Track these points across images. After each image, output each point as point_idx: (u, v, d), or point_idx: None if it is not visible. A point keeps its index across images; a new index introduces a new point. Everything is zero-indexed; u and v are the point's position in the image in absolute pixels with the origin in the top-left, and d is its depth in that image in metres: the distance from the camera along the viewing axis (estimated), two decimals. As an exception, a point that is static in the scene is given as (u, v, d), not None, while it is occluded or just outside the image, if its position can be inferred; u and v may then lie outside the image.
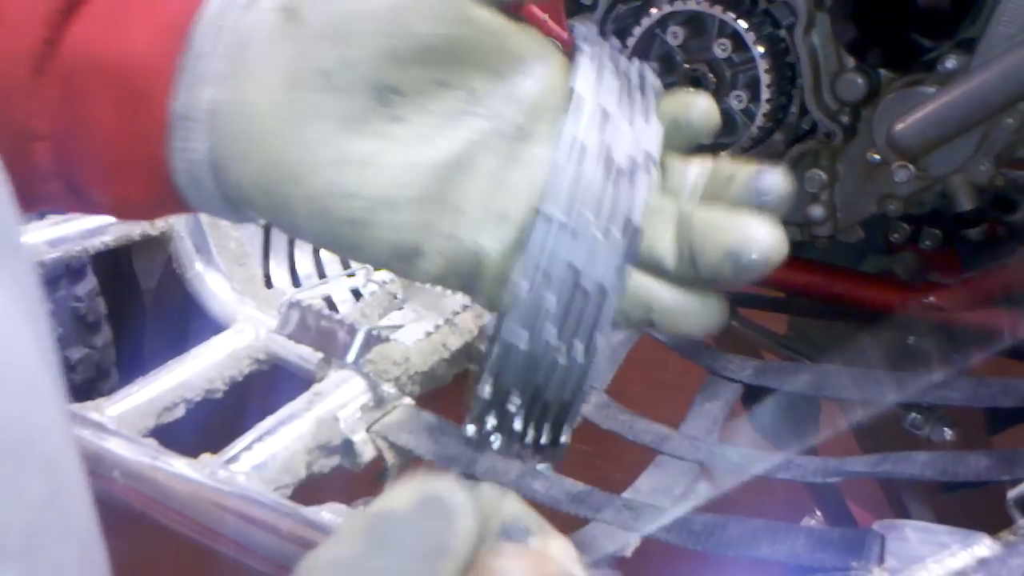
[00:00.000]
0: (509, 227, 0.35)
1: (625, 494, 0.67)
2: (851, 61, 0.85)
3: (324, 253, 1.14)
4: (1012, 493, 0.56)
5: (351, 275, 1.12)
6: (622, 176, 0.33)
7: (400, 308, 0.84)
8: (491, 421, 0.35)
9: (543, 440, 0.35)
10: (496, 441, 0.35)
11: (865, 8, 0.83)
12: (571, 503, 0.64)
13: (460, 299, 0.80)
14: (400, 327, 0.81)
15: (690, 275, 0.35)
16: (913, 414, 0.86)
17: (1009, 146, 0.81)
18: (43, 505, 0.22)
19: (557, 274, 0.32)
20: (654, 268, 0.34)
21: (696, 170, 0.36)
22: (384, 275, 1.11)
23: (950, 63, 0.80)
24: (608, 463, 1.03)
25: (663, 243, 0.35)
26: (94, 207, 0.38)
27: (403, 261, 0.35)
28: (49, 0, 0.35)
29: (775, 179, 0.35)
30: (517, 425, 0.34)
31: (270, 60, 0.34)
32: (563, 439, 0.35)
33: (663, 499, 0.68)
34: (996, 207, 0.89)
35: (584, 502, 0.64)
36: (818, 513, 1.17)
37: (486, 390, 0.34)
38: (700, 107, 0.37)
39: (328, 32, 0.34)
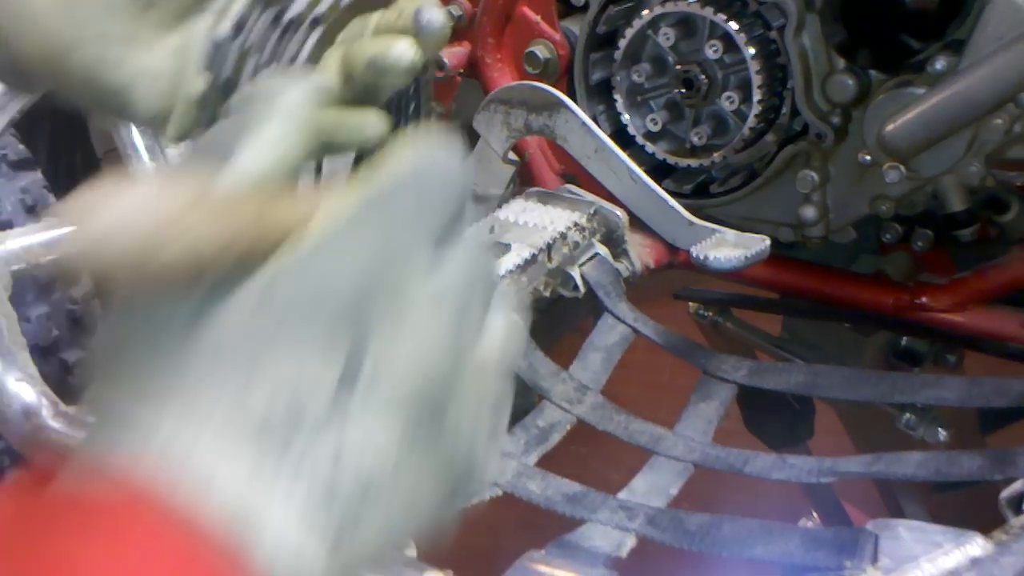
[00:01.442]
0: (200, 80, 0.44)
1: (620, 494, 0.68)
2: (841, 62, 0.85)
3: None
4: (1005, 492, 0.56)
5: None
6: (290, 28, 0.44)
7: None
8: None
9: None
10: None
11: (854, 10, 0.84)
12: (566, 504, 0.64)
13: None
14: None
15: (351, 95, 0.43)
16: (907, 414, 0.86)
17: (999, 147, 0.81)
18: None
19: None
20: (326, 97, 0.38)
21: (375, 18, 0.46)
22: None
23: (939, 64, 0.80)
24: (604, 464, 1.04)
25: (329, 72, 0.44)
26: None
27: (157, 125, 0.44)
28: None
29: (432, 13, 0.44)
30: None
31: None
32: None
33: (658, 499, 0.68)
34: (987, 207, 0.90)
35: (579, 503, 0.64)
36: (815, 515, 1.18)
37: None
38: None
39: None
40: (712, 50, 0.89)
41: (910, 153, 0.81)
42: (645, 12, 0.91)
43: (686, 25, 0.91)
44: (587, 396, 0.80)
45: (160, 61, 0.43)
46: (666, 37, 0.91)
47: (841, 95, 0.85)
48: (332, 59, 0.46)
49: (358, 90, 0.44)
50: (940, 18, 0.80)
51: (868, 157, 0.85)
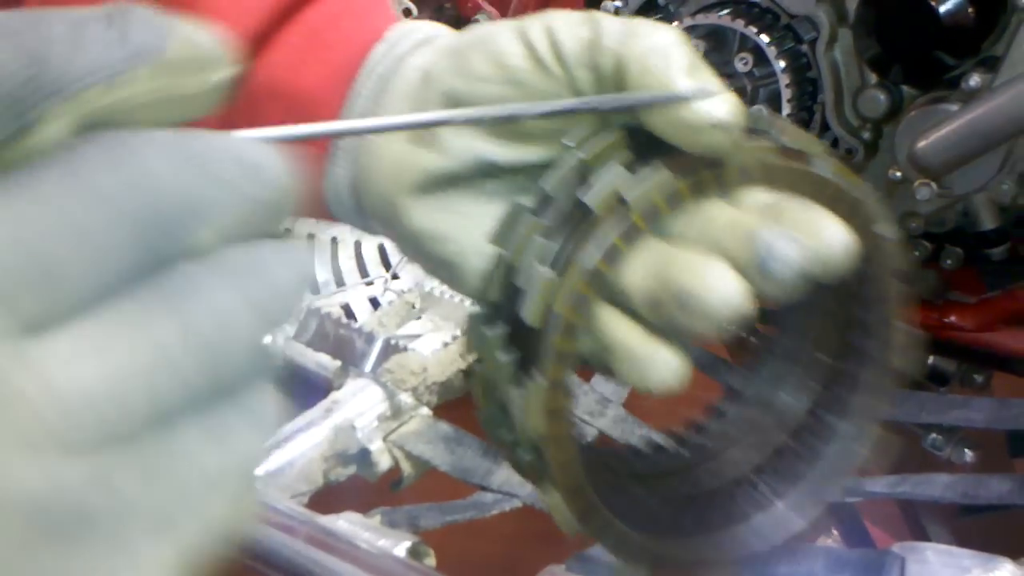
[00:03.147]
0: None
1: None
2: (873, 77, 0.84)
3: (342, 260, 1.14)
4: (1034, 517, 0.55)
5: (370, 283, 1.13)
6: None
7: (418, 318, 0.85)
8: None
9: None
10: None
11: (888, 24, 0.83)
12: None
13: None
14: (418, 337, 0.81)
15: (656, 319, 0.31)
16: (933, 435, 0.85)
17: (1033, 166, 0.80)
18: None
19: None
20: (622, 304, 0.33)
21: (716, 216, 0.32)
22: (403, 284, 1.11)
23: (973, 81, 0.79)
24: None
25: (632, 278, 0.32)
26: None
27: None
28: (247, 28, 0.42)
29: (786, 248, 0.29)
30: None
31: (399, 113, 0.40)
32: None
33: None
34: (1019, 226, 0.89)
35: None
36: (835, 532, 1.17)
37: None
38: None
39: (446, 103, 0.38)
40: (742, 63, 0.89)
41: (942, 171, 0.80)
42: (675, 23, 0.90)
43: (716, 37, 0.90)
44: (608, 409, 0.80)
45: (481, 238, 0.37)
46: (696, 49, 0.90)
47: (872, 110, 0.84)
48: (639, 260, 0.32)
49: (656, 317, 0.31)
50: (975, 34, 0.80)
51: (899, 174, 0.84)
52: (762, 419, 0.43)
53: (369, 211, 0.42)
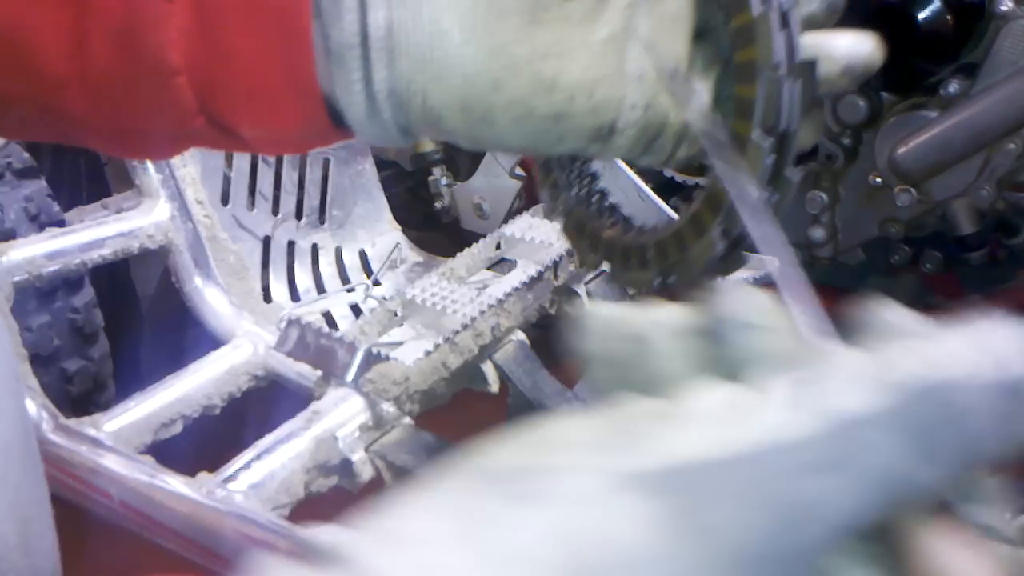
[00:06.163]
0: (684, 83, 0.35)
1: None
2: (853, 84, 0.85)
3: (323, 267, 1.13)
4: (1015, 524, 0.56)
5: (351, 290, 1.12)
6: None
7: (399, 325, 0.84)
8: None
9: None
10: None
11: (865, 30, 0.84)
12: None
13: (459, 318, 0.79)
14: (400, 344, 0.80)
15: None
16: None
17: (1011, 171, 0.81)
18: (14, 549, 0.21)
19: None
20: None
21: None
22: (384, 291, 1.10)
23: (952, 87, 0.80)
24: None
25: None
26: (241, 143, 0.37)
27: (600, 142, 0.36)
28: None
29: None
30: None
31: None
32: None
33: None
34: (997, 230, 0.89)
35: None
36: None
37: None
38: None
39: None
40: (723, 69, 0.89)
41: (921, 177, 0.81)
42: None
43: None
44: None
45: (595, 63, 0.34)
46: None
47: (852, 116, 0.85)
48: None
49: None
50: (953, 41, 0.80)
51: (879, 179, 0.85)
52: None
53: (436, 110, 0.35)
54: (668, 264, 0.40)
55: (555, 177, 0.45)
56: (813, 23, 0.36)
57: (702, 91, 0.36)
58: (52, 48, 0.34)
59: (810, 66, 0.34)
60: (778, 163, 0.35)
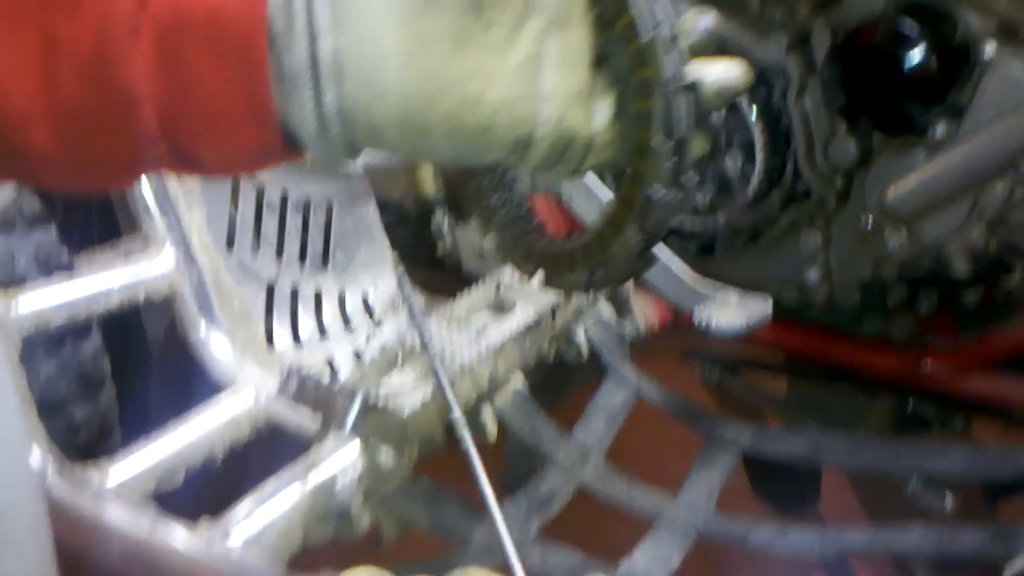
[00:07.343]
0: (585, 103, 0.41)
1: (621, 566, 0.67)
2: (844, 126, 0.86)
3: (326, 310, 1.15)
4: (1008, 571, 0.56)
5: (352, 332, 1.13)
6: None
7: (399, 371, 0.85)
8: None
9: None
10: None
11: (855, 74, 0.85)
12: (566, 576, 0.64)
13: (456, 367, 0.80)
14: (399, 394, 0.81)
15: None
16: (914, 481, 0.85)
17: (1001, 212, 0.81)
18: None
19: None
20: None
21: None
22: (386, 334, 1.11)
23: (940, 128, 0.81)
24: (612, 522, 1.03)
25: None
26: (198, 167, 0.41)
27: (519, 152, 0.41)
28: None
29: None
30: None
31: (374, 2, 0.38)
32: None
33: (660, 570, 0.68)
34: (992, 270, 0.90)
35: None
36: None
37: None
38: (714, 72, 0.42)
39: None
40: (716, 112, 0.90)
41: (912, 217, 0.81)
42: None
43: (689, 89, 0.92)
44: (590, 460, 0.80)
45: (513, 84, 0.39)
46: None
47: (843, 158, 0.86)
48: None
49: None
50: (940, 83, 0.81)
51: (871, 220, 0.85)
52: None
53: (378, 127, 0.39)
54: (593, 263, 0.46)
55: (486, 200, 0.51)
56: (695, 51, 0.42)
57: (604, 107, 0.42)
58: (16, 85, 0.37)
59: (694, 86, 0.41)
60: (679, 165, 0.41)
